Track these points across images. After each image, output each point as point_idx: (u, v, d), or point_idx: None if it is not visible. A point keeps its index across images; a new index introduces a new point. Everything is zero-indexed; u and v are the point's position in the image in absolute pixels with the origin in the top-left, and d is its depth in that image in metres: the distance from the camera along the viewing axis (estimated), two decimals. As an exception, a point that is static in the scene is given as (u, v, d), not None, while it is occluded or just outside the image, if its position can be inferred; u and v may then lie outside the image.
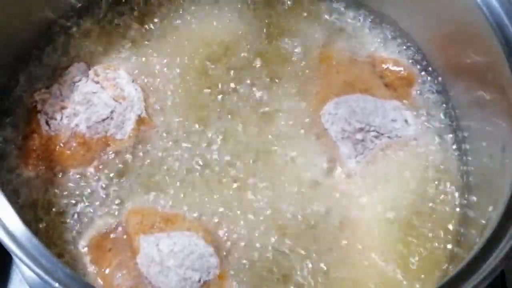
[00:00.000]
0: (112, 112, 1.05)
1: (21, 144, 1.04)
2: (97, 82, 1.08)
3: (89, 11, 1.19)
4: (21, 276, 1.08)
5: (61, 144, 1.03)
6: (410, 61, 1.19)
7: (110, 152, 1.05)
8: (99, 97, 1.06)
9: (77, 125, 1.03)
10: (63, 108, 1.05)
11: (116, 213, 1.01)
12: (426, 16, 1.13)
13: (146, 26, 1.18)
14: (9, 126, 1.06)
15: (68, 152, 1.03)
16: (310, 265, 0.99)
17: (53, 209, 1.01)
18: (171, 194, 1.03)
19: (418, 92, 1.16)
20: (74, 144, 1.03)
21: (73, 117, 1.04)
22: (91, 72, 1.09)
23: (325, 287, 0.97)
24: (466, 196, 1.07)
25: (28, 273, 1.00)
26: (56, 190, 1.02)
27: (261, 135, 1.09)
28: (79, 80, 1.08)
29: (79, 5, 1.17)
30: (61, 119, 1.04)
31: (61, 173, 1.03)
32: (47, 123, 1.04)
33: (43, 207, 1.01)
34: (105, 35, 1.17)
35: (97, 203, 1.01)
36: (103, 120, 1.04)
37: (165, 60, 1.15)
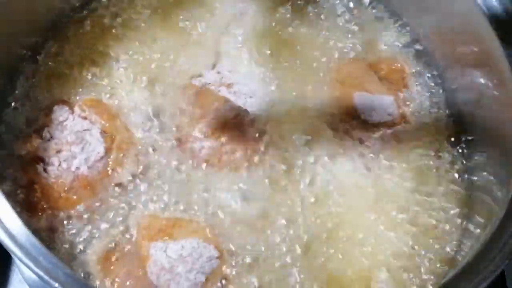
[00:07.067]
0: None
1: (22, 198, 1.00)
2: (85, 118, 1.04)
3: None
4: (21, 276, 1.08)
5: (65, 190, 1.00)
6: (405, 54, 1.18)
7: (114, 183, 1.03)
8: (91, 134, 1.03)
9: (78, 168, 1.01)
10: (58, 151, 1.02)
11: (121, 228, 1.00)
12: (424, 13, 1.12)
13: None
14: (6, 180, 1.00)
15: (75, 197, 1.00)
16: (315, 274, 0.99)
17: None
18: (178, 209, 1.02)
19: (415, 85, 1.16)
20: (79, 188, 1.00)
21: (71, 160, 1.01)
22: (76, 108, 1.05)
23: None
24: (466, 194, 1.07)
25: (28, 273, 1.00)
26: (64, 221, 1.00)
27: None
28: (66, 119, 1.04)
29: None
30: (59, 164, 1.01)
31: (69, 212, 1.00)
32: (45, 170, 1.01)
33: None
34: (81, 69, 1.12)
35: (105, 224, 1.00)
36: (102, 157, 1.02)
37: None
